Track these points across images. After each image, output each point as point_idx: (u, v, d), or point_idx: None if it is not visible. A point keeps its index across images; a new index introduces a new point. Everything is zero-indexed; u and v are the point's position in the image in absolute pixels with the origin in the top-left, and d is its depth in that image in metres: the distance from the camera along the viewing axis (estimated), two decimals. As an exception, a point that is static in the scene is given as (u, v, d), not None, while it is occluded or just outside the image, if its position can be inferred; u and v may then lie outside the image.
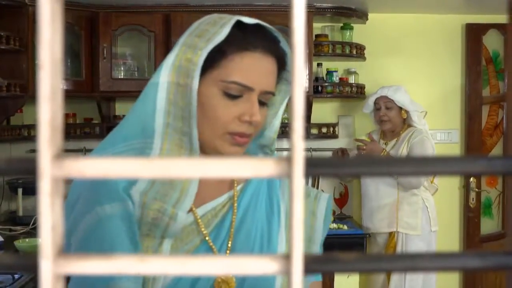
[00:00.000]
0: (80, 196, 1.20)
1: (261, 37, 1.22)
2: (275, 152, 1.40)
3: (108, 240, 1.15)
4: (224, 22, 1.20)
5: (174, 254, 1.20)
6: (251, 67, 1.20)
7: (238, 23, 1.21)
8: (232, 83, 1.19)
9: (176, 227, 1.19)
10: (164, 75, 1.20)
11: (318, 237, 1.35)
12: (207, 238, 1.26)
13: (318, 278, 1.40)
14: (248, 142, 1.24)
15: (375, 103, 4.18)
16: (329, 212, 1.38)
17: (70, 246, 1.18)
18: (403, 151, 4.07)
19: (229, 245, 1.27)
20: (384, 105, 4.11)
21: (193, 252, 1.24)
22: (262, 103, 1.24)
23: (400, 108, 4.10)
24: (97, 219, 1.16)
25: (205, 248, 1.25)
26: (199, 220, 1.26)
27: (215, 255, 1.23)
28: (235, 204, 1.30)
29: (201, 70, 1.19)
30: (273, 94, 1.26)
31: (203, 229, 1.26)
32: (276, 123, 1.33)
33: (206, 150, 1.24)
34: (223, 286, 1.24)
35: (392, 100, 4.08)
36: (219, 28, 1.19)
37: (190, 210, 1.25)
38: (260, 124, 1.24)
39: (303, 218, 0.30)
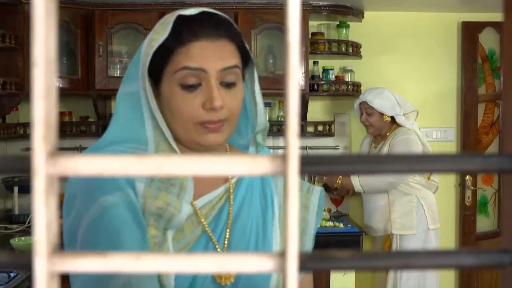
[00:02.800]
0: (77, 192, 1.21)
1: (207, 24, 1.23)
2: (265, 141, 1.41)
3: (115, 228, 1.17)
4: (169, 20, 1.23)
5: (175, 245, 1.23)
6: (198, 53, 1.22)
7: (183, 17, 1.23)
8: (182, 69, 1.21)
9: (180, 219, 1.21)
10: (139, 83, 1.25)
11: (310, 229, 1.38)
12: (206, 229, 1.28)
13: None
14: (223, 127, 1.25)
15: (360, 107, 4.20)
16: (322, 205, 1.41)
17: (75, 242, 1.19)
18: (385, 151, 4.10)
19: (227, 235, 1.29)
20: (365, 111, 4.13)
21: (194, 242, 1.26)
22: (229, 84, 1.25)
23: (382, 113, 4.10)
24: (101, 209, 1.17)
25: (205, 239, 1.28)
26: (198, 212, 1.28)
27: (215, 245, 1.25)
28: (231, 197, 1.32)
29: (160, 72, 1.24)
30: (237, 67, 1.26)
31: (203, 220, 1.28)
32: (260, 106, 1.34)
33: (188, 144, 1.28)
34: (223, 275, 1.26)
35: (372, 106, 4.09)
36: (163, 28, 1.23)
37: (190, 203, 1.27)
38: (235, 106, 1.26)
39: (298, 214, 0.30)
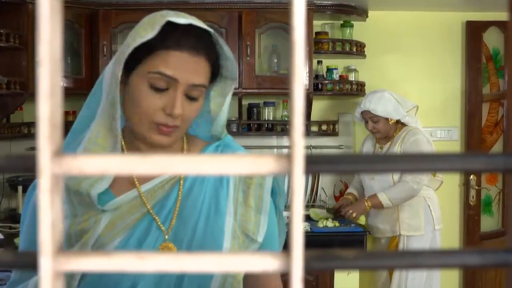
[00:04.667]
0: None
1: (191, 36, 1.30)
2: (225, 134, 1.48)
3: (34, 222, 1.34)
4: (158, 22, 1.29)
5: (118, 225, 1.33)
6: (176, 63, 1.29)
7: (172, 23, 1.29)
8: (157, 73, 1.28)
9: (96, 203, 1.30)
10: (109, 67, 1.35)
11: (266, 207, 1.41)
12: (150, 211, 1.35)
13: None
14: (173, 132, 1.32)
15: (362, 115, 4.15)
16: (281, 183, 1.45)
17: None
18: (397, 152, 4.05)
19: (175, 213, 1.36)
20: (370, 119, 4.08)
21: (135, 224, 1.34)
22: (192, 98, 1.32)
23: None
24: (33, 205, 1.37)
25: (148, 220, 1.35)
26: (142, 195, 1.36)
27: (159, 225, 1.32)
28: (182, 179, 1.39)
29: (135, 64, 1.31)
30: (204, 87, 1.33)
31: (146, 203, 1.35)
32: (222, 118, 1.42)
33: (137, 136, 1.36)
34: (171, 248, 1.35)
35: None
36: (151, 27, 1.28)
37: (134, 187, 1.36)
38: (189, 117, 1.33)
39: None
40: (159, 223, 1.34)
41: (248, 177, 1.42)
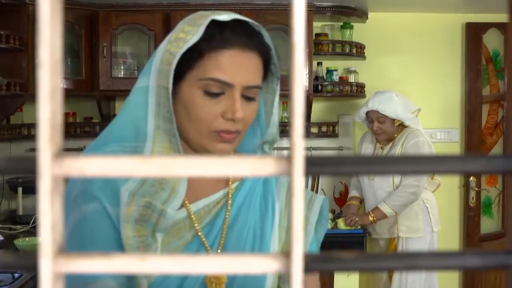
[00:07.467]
0: (70, 194, 1.23)
1: (240, 33, 1.21)
2: (273, 150, 1.40)
3: (89, 234, 1.19)
4: (201, 22, 1.19)
5: (165, 248, 1.22)
6: (229, 64, 1.20)
7: (216, 21, 1.20)
8: (210, 79, 1.19)
9: (166, 223, 1.19)
10: (153, 79, 1.22)
11: (309, 238, 1.35)
12: (199, 234, 1.26)
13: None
14: (236, 138, 1.24)
15: (367, 115, 4.10)
16: (326, 214, 1.38)
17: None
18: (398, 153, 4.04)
19: (221, 241, 1.27)
20: (376, 120, 4.03)
21: (184, 247, 1.25)
22: (249, 98, 1.23)
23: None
24: (79, 217, 1.20)
25: (197, 243, 1.26)
26: (192, 216, 1.26)
27: (207, 250, 1.23)
28: (229, 202, 1.30)
29: (182, 72, 1.20)
30: (259, 87, 1.25)
31: (196, 225, 1.26)
32: (275, 118, 1.33)
33: (196, 148, 1.26)
34: (214, 281, 1.24)
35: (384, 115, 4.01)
36: (195, 29, 1.19)
37: (184, 206, 1.26)
38: (250, 119, 1.24)
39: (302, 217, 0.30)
40: (208, 248, 1.26)
41: None
